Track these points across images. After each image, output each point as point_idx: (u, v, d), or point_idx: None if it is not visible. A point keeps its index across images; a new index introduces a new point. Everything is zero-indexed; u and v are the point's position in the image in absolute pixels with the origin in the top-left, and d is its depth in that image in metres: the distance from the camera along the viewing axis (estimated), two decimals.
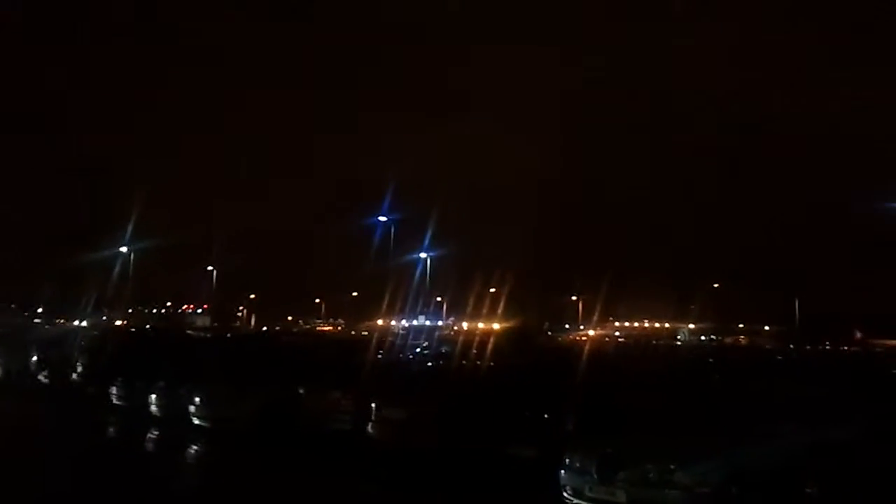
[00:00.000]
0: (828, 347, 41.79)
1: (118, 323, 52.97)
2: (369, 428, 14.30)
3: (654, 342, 48.15)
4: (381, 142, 78.17)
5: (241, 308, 74.42)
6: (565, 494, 9.91)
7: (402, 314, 54.35)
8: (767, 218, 55.52)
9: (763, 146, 64.43)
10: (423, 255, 54.33)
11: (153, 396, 18.56)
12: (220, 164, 79.41)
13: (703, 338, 61.32)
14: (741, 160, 62.82)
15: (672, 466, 8.99)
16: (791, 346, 42.57)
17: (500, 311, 49.24)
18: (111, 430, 18.74)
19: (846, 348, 40.47)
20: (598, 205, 65.30)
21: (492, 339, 29.08)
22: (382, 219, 51.04)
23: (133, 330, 41.98)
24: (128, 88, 79.20)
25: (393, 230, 51.13)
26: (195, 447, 15.97)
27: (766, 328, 62.18)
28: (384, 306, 51.77)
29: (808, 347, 41.29)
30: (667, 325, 69.61)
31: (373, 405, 14.37)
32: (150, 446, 16.83)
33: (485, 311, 52.53)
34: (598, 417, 11.31)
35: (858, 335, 43.78)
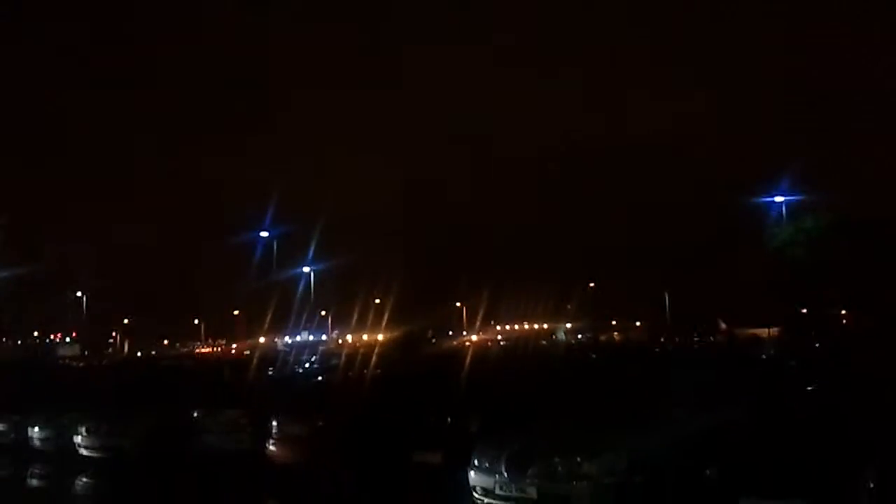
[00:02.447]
0: (697, 339, 44.01)
1: None
2: (270, 445, 14.13)
3: (542, 342, 49.12)
4: (266, 159, 76.91)
5: (113, 334, 70.88)
6: (475, 495, 10.10)
7: (286, 331, 53.53)
8: (635, 216, 57.94)
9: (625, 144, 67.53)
10: (306, 269, 53.75)
11: (35, 429, 17.66)
12: (92, 182, 75.83)
13: (579, 335, 63.15)
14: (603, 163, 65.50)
15: (579, 459, 9.34)
16: (662, 339, 44.53)
17: (384, 321, 49.39)
18: None
19: (713, 338, 42.72)
20: (477, 211, 66.49)
21: (377, 350, 29.21)
22: (264, 234, 50.12)
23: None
24: None
25: (275, 246, 50.28)
26: (84, 479, 15.30)
27: (637, 323, 64.61)
28: (267, 324, 50.82)
29: (678, 340, 43.43)
30: (545, 325, 71.29)
31: (273, 422, 14.20)
32: (34, 482, 15.95)
33: (370, 322, 52.52)
34: (502, 416, 11.58)
35: (723, 326, 46.02)
